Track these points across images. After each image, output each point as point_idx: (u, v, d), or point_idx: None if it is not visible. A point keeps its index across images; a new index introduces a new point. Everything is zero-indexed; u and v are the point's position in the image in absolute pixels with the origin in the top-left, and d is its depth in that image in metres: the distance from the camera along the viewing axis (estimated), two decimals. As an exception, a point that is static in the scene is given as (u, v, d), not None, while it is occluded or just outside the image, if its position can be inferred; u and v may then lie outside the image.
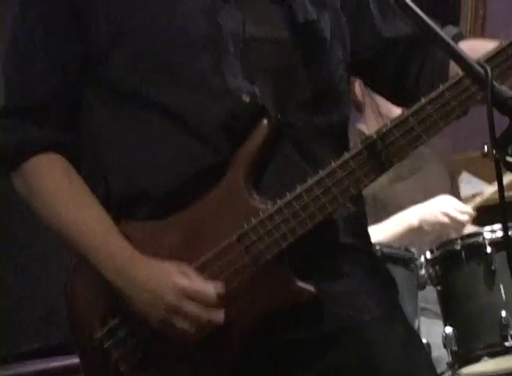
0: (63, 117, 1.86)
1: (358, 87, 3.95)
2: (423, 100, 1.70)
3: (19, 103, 1.87)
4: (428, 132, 1.70)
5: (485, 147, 1.43)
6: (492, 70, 1.43)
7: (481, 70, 1.44)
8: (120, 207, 1.81)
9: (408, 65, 1.97)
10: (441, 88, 1.70)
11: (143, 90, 1.79)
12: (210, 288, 1.72)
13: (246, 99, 1.76)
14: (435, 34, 1.50)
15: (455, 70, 1.69)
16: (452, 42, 1.49)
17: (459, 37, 1.90)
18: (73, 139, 1.87)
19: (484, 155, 1.46)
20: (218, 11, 1.79)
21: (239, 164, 1.76)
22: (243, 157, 1.76)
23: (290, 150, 1.80)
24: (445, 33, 1.87)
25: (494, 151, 1.40)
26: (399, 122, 1.70)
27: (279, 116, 1.77)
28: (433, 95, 1.70)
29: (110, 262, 1.77)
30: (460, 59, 1.48)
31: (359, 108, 4.03)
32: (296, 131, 1.81)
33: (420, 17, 1.51)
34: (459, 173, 4.24)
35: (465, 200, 3.94)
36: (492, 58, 1.70)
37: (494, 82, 1.42)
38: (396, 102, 2.12)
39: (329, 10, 1.89)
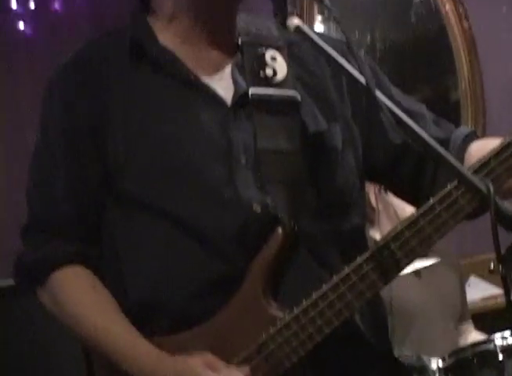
0: (85, 231, 1.87)
1: (372, 194, 3.91)
2: (431, 201, 1.68)
3: (43, 221, 1.88)
4: (438, 232, 1.67)
5: (492, 264, 1.41)
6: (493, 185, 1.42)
7: (483, 188, 1.43)
8: (139, 318, 1.80)
9: (423, 168, 1.93)
10: (449, 187, 1.66)
11: (158, 202, 1.78)
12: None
13: (258, 208, 1.75)
14: (437, 153, 1.49)
15: None
16: (453, 160, 1.49)
17: (472, 137, 1.89)
18: (96, 250, 1.87)
19: (491, 271, 1.44)
20: (229, 124, 1.80)
21: (257, 274, 1.74)
22: (260, 267, 1.74)
23: (305, 257, 1.77)
24: (459, 133, 1.92)
25: (500, 268, 1.39)
26: (409, 223, 1.68)
27: (293, 224, 1.75)
28: (441, 194, 1.67)
29: (138, 365, 1.76)
30: (462, 176, 1.47)
31: (371, 218, 3.98)
32: (311, 239, 1.79)
33: (421, 138, 1.51)
34: (467, 277, 4.20)
35: (473, 304, 3.90)
36: (495, 156, 1.67)
37: (497, 199, 1.40)
38: (414, 203, 2.03)
39: (339, 120, 1.87)
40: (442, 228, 1.68)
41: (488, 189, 1.42)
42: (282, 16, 1.67)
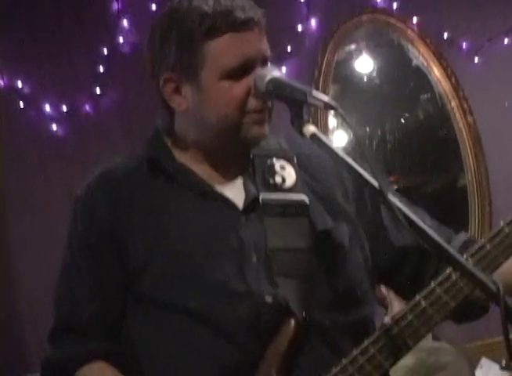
0: (108, 329, 1.89)
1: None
2: (432, 284, 1.72)
3: (69, 324, 1.92)
4: (440, 313, 1.71)
5: (503, 362, 1.41)
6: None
7: (493, 287, 1.42)
8: None
9: (424, 270, 1.95)
10: (448, 271, 1.72)
11: (174, 299, 1.80)
12: None
13: (269, 299, 1.76)
14: (446, 252, 1.49)
15: None
16: (462, 260, 1.50)
17: (469, 244, 1.90)
18: (117, 346, 1.89)
19: (504, 367, 1.43)
20: (240, 226, 1.83)
21: (270, 363, 1.74)
22: (273, 356, 1.74)
23: (317, 345, 1.78)
24: (457, 240, 1.96)
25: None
26: (412, 306, 1.71)
27: (305, 315, 1.76)
28: (441, 278, 1.72)
29: None
30: (472, 275, 1.47)
31: (383, 303, 3.96)
32: (322, 328, 1.80)
33: (430, 237, 1.52)
34: (479, 358, 4.15)
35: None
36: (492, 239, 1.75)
37: (506, 299, 1.40)
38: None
39: (346, 221, 1.90)
40: (443, 309, 1.71)
41: (498, 289, 1.42)
42: (298, 124, 1.70)
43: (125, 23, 4.84)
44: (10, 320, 4.72)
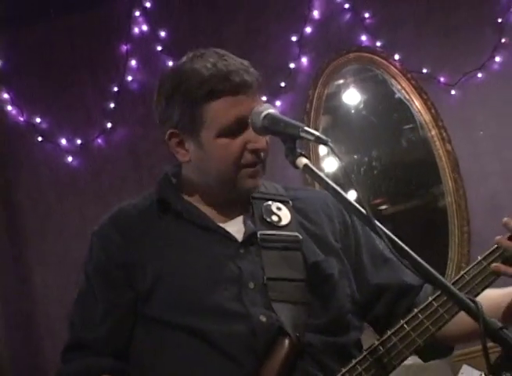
0: (117, 348, 1.90)
1: None
2: (415, 310, 1.74)
3: (82, 342, 1.92)
4: (422, 337, 1.73)
5: (482, 374, 1.40)
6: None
7: (473, 305, 1.41)
8: None
9: (396, 309, 1.96)
10: (430, 299, 1.74)
11: (177, 320, 1.81)
12: None
13: (263, 318, 1.78)
14: (429, 273, 1.48)
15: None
16: (446, 282, 1.49)
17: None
18: (125, 364, 1.89)
19: (483, 379, 1.42)
20: (239, 258, 1.87)
21: None
22: (268, 372, 1.73)
23: (308, 363, 1.78)
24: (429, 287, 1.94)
25: (491, 376, 1.37)
26: (396, 330, 1.73)
27: (298, 335, 1.76)
28: (423, 305, 1.74)
29: None
30: (454, 295, 1.46)
31: None
32: (313, 348, 1.80)
33: (415, 259, 1.51)
34: (460, 365, 4.11)
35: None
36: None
37: (485, 315, 1.39)
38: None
39: (334, 255, 1.93)
40: (424, 333, 1.73)
41: (477, 306, 1.41)
42: (292, 157, 1.70)
43: (133, 63, 4.86)
44: (29, 333, 4.71)
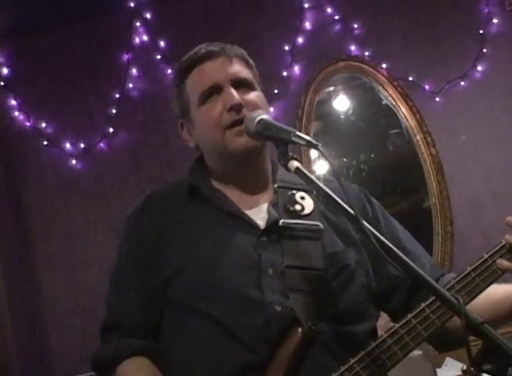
0: (149, 330, 1.90)
1: None
2: (409, 315, 1.71)
3: (117, 321, 1.94)
4: (415, 340, 1.70)
5: (464, 366, 1.40)
6: (464, 300, 1.41)
7: (455, 302, 1.41)
8: None
9: (413, 299, 1.93)
10: (423, 305, 1.72)
11: (198, 303, 1.80)
12: None
13: (278, 308, 1.75)
14: (417, 273, 1.48)
15: None
16: (430, 279, 1.48)
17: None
18: (156, 345, 1.90)
19: (464, 372, 1.42)
20: (261, 246, 1.84)
21: (278, 366, 1.71)
22: (281, 361, 1.72)
23: (320, 352, 1.76)
24: (445, 280, 1.92)
25: (472, 369, 1.36)
26: (391, 333, 1.70)
27: (310, 325, 1.74)
28: (417, 310, 1.72)
29: None
30: (438, 293, 1.46)
31: None
32: (325, 338, 1.77)
33: (404, 261, 1.51)
34: (444, 358, 4.11)
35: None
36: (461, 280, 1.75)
37: (467, 311, 1.39)
38: None
39: (353, 245, 1.90)
40: (418, 338, 1.70)
41: (459, 302, 1.41)
42: (284, 160, 1.70)
43: (134, 71, 4.86)
44: (35, 330, 4.70)
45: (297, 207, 1.90)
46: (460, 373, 3.79)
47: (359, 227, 1.58)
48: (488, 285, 1.76)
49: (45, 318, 4.72)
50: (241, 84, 1.91)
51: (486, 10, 4.72)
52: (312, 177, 1.69)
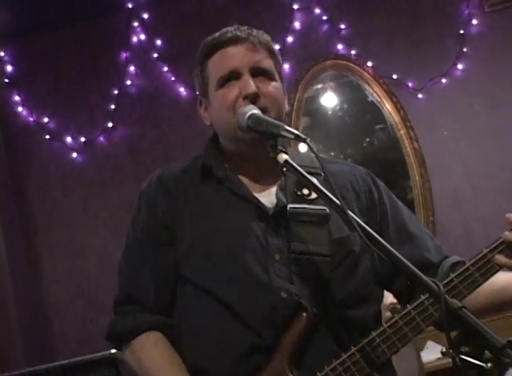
0: (163, 305, 1.86)
1: None
2: (408, 307, 1.68)
3: (131, 297, 1.88)
4: (413, 331, 1.67)
5: (444, 348, 1.39)
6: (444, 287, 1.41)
7: (435, 287, 1.41)
8: None
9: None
10: (422, 297, 1.68)
11: (208, 283, 1.78)
12: None
13: (284, 295, 1.72)
14: (400, 262, 1.47)
15: None
16: (412, 267, 1.47)
17: (458, 265, 1.80)
18: (170, 321, 1.85)
19: (444, 353, 1.41)
20: (269, 231, 1.80)
21: (284, 352, 1.70)
22: (286, 345, 1.70)
23: (325, 337, 1.73)
24: (449, 262, 1.88)
25: (450, 351, 1.36)
26: (391, 324, 1.66)
27: (315, 310, 1.72)
28: (416, 302, 1.68)
29: None
30: (419, 279, 1.45)
31: None
32: (330, 323, 1.74)
33: (388, 249, 1.50)
34: (426, 341, 4.11)
35: (430, 364, 3.80)
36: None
37: (446, 296, 1.39)
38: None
39: (356, 234, 1.80)
40: (416, 329, 1.67)
41: (439, 288, 1.40)
42: (274, 153, 1.69)
43: (132, 69, 4.84)
44: (37, 311, 4.69)
45: (305, 191, 1.85)
46: (440, 355, 3.79)
47: (344, 217, 1.56)
48: (487, 279, 1.71)
49: (46, 303, 4.71)
50: (260, 74, 1.86)
51: (466, 12, 4.73)
52: (300, 169, 1.66)
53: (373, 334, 1.67)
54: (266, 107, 1.83)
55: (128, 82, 4.82)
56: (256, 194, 1.86)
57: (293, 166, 1.65)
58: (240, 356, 1.72)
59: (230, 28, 1.91)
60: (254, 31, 1.91)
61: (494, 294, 1.79)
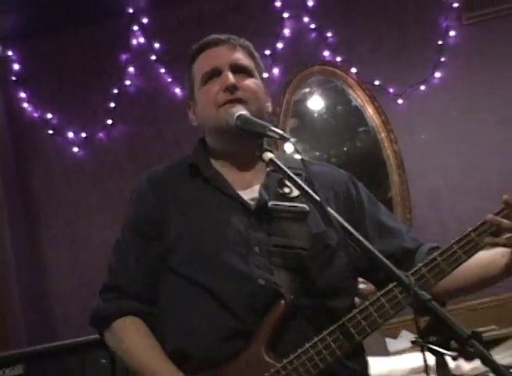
0: (145, 293, 1.87)
1: None
2: (378, 294, 1.68)
3: (118, 284, 1.90)
4: (383, 317, 1.66)
5: (414, 337, 1.40)
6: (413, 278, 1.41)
7: (407, 280, 1.41)
8: (174, 361, 1.76)
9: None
10: (391, 285, 1.67)
11: (193, 273, 1.78)
12: None
13: (262, 282, 1.73)
14: (375, 256, 1.48)
15: None
16: (385, 260, 1.47)
17: (434, 250, 1.82)
18: (151, 309, 1.86)
19: (413, 342, 1.42)
20: (251, 226, 1.81)
21: (261, 337, 1.70)
22: (265, 330, 1.71)
23: (301, 324, 1.74)
24: (425, 247, 1.91)
25: (420, 340, 1.37)
26: (361, 309, 1.67)
27: (293, 298, 1.72)
28: (385, 289, 1.68)
29: None
30: (391, 272, 1.45)
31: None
32: (306, 310, 1.75)
33: (363, 243, 1.52)
34: (400, 330, 4.12)
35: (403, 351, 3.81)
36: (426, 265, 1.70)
37: (416, 288, 1.39)
38: None
39: (335, 226, 1.81)
40: (385, 315, 1.67)
41: (410, 280, 1.41)
42: (259, 152, 1.70)
43: (131, 70, 4.83)
44: (40, 300, 4.68)
45: (286, 189, 1.86)
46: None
47: (323, 213, 1.57)
48: (470, 257, 1.70)
49: (49, 293, 4.70)
50: (240, 71, 1.89)
51: (445, 24, 4.73)
52: (284, 167, 1.68)
53: (344, 319, 1.67)
54: (245, 99, 1.85)
55: (128, 82, 4.81)
56: (240, 191, 1.87)
57: (277, 164, 1.65)
58: (222, 340, 1.72)
59: (212, 35, 1.95)
60: (235, 36, 1.95)
61: (481, 270, 1.79)
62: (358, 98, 4.76)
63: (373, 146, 4.79)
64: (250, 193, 1.87)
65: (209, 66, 1.89)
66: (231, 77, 1.85)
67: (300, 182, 1.64)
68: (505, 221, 1.67)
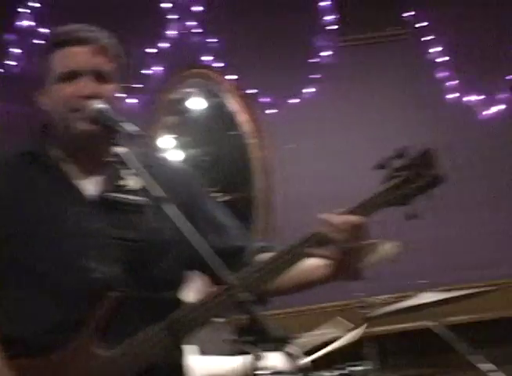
0: None
1: None
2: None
3: None
4: (209, 317, 1.69)
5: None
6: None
7: (233, 284, 1.44)
8: (8, 346, 1.70)
9: (231, 268, 1.78)
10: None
11: (28, 265, 1.73)
12: None
13: (97, 275, 1.71)
14: (202, 250, 1.48)
15: None
16: (212, 260, 1.49)
17: (264, 250, 1.90)
18: None
19: (223, 341, 1.45)
20: (87, 214, 1.77)
21: (92, 326, 1.68)
22: (94, 321, 1.68)
23: (133, 314, 1.72)
24: (256, 245, 1.94)
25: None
26: (191, 308, 1.70)
27: (124, 290, 1.71)
28: (216, 292, 1.68)
29: None
30: (219, 272, 1.46)
31: None
32: (139, 302, 1.74)
33: (195, 245, 1.54)
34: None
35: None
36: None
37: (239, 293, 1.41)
38: None
39: (169, 221, 1.73)
40: (211, 315, 1.70)
41: (233, 282, 1.42)
42: (109, 146, 1.71)
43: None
44: None
45: (122, 182, 1.82)
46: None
47: (162, 208, 1.58)
48: (293, 264, 1.75)
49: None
50: (100, 76, 1.83)
51: (320, 44, 4.82)
52: (127, 161, 1.67)
53: (173, 314, 1.69)
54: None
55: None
56: (81, 182, 1.82)
57: (120, 157, 1.64)
58: (52, 329, 1.69)
59: (79, 26, 1.86)
60: (101, 33, 1.86)
61: (303, 275, 1.85)
62: (232, 104, 4.77)
63: (243, 151, 4.81)
64: (89, 184, 1.84)
65: (69, 67, 1.81)
66: (89, 86, 1.80)
67: (142, 176, 1.63)
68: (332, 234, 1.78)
